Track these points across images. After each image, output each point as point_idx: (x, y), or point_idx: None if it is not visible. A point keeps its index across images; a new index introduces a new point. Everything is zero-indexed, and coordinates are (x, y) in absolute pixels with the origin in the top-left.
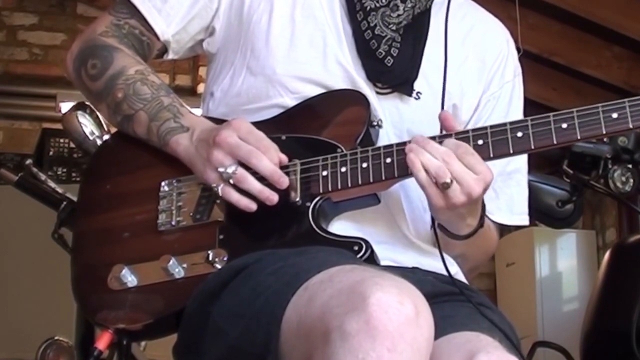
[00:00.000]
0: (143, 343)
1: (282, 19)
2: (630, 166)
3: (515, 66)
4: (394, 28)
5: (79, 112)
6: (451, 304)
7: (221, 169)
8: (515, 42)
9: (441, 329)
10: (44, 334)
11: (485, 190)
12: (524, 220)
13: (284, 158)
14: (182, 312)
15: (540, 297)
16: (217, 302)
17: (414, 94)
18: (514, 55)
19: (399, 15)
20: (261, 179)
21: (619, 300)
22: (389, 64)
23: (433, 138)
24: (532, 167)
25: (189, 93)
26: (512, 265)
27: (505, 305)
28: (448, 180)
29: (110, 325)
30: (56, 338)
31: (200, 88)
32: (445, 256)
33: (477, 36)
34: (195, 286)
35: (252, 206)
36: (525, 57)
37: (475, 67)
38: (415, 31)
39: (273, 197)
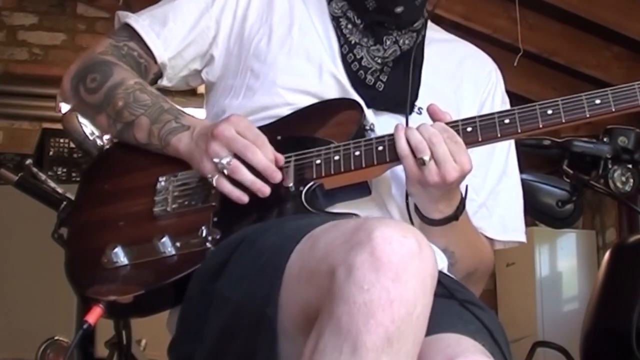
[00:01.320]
0: (143, 342)
1: (280, 39)
2: (630, 166)
3: (503, 94)
4: (379, 61)
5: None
6: (440, 300)
7: (216, 160)
8: (516, 42)
9: (427, 327)
10: (44, 334)
11: (460, 179)
12: (519, 237)
13: (280, 157)
14: (175, 287)
15: (540, 297)
16: (220, 277)
17: (416, 110)
18: (502, 84)
19: (384, 52)
20: (256, 173)
21: (619, 300)
22: (380, 89)
23: (456, 123)
24: (532, 167)
25: (190, 94)
26: (512, 265)
27: (505, 305)
28: (426, 158)
29: (101, 298)
30: (56, 338)
31: (201, 89)
32: (437, 250)
33: (468, 65)
34: (188, 262)
35: (244, 198)
36: (525, 57)
37: (470, 91)
38: (407, 61)
39: (265, 189)
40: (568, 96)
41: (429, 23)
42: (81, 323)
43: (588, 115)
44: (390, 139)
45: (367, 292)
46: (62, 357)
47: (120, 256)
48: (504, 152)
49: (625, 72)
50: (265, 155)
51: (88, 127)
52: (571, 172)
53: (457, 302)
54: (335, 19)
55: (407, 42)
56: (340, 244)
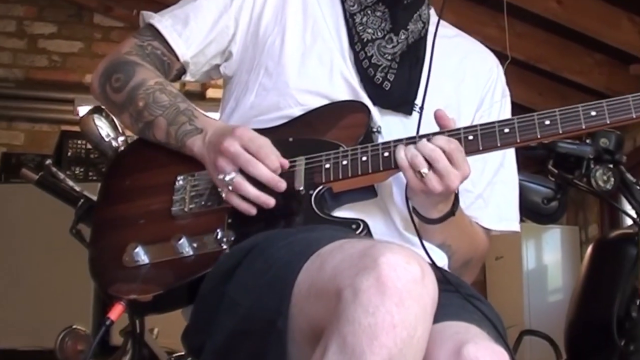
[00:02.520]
0: (155, 331)
1: (293, 40)
2: (611, 166)
3: (504, 88)
4: (389, 57)
5: (96, 115)
6: (444, 294)
7: (221, 177)
8: (504, 49)
9: (434, 317)
10: (62, 323)
11: (461, 183)
12: (512, 226)
13: (285, 162)
14: (191, 287)
15: (527, 288)
16: (231, 280)
17: (416, 109)
18: (503, 79)
19: (393, 47)
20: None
21: (601, 291)
22: (387, 88)
23: (427, 135)
24: (520, 167)
25: (199, 98)
26: (500, 258)
27: (494, 296)
28: (425, 170)
29: (123, 297)
30: (74, 327)
31: (209, 93)
32: (434, 248)
33: (470, 61)
34: (204, 263)
35: (252, 211)
36: (513, 64)
37: (471, 87)
38: (411, 57)
39: (269, 202)
40: (565, 107)
41: (436, 18)
42: (98, 313)
43: (584, 127)
44: (396, 144)
45: (372, 315)
46: (79, 344)
47: (140, 255)
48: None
49: (606, 78)
50: (270, 165)
51: (104, 130)
52: (556, 171)
53: (460, 296)
54: (351, 16)
55: (414, 32)
56: (347, 267)
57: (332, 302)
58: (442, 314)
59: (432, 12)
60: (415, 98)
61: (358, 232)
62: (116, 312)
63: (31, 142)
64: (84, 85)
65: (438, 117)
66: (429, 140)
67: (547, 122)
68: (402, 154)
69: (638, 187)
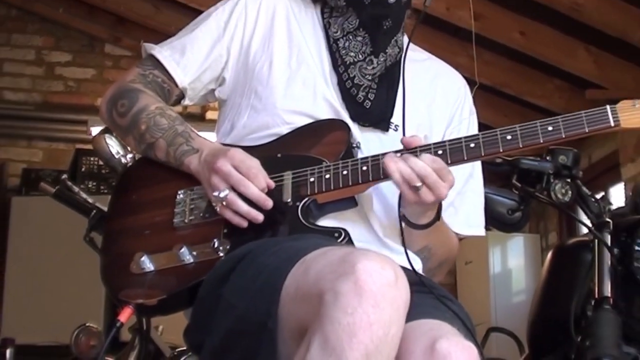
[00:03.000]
0: (160, 328)
1: (280, 66)
2: (569, 180)
3: (471, 106)
4: (369, 78)
5: (107, 135)
6: (418, 295)
7: (215, 193)
8: (472, 76)
9: (410, 315)
10: (77, 321)
11: (449, 191)
12: (479, 231)
13: (271, 183)
14: (192, 291)
15: (494, 290)
16: (226, 284)
17: (392, 126)
18: (469, 97)
19: (373, 68)
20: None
21: (559, 293)
22: (368, 107)
23: (415, 149)
24: (487, 181)
25: (199, 119)
26: (469, 263)
27: (464, 296)
28: (418, 184)
29: (131, 301)
30: (87, 324)
31: (209, 115)
32: (410, 254)
33: (440, 82)
34: (203, 269)
35: (244, 224)
36: (481, 89)
37: (442, 106)
38: (389, 79)
39: (259, 217)
40: (525, 123)
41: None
42: (109, 312)
43: (542, 141)
44: (374, 159)
45: (350, 316)
46: (92, 340)
47: (146, 263)
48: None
49: (565, 102)
50: (258, 185)
51: (114, 148)
52: (519, 185)
53: (434, 297)
54: (335, 41)
55: (391, 55)
56: (329, 272)
57: (315, 303)
58: (417, 312)
59: (406, 38)
60: (392, 116)
61: (340, 240)
62: (125, 314)
63: (49, 159)
64: (96, 108)
65: (406, 144)
66: (417, 157)
67: (509, 137)
68: (395, 169)
69: (593, 200)
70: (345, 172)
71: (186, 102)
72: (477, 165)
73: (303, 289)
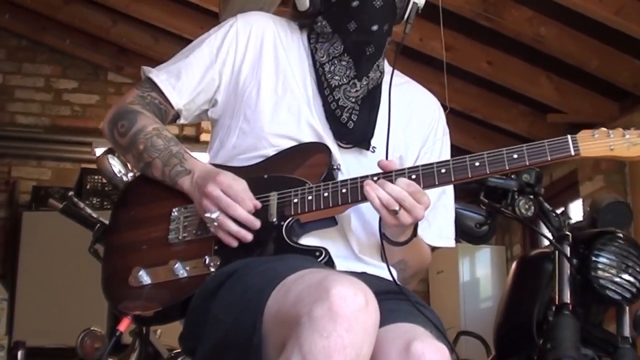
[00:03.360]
0: (158, 332)
1: (267, 92)
2: (532, 197)
3: (444, 127)
4: (353, 100)
5: (109, 155)
6: (393, 301)
7: (207, 215)
8: (444, 102)
9: (386, 320)
10: (82, 325)
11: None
12: (450, 243)
13: (257, 204)
14: (185, 303)
15: (463, 297)
16: (215, 299)
17: (371, 148)
18: (443, 119)
19: (356, 91)
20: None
21: (523, 300)
22: (351, 127)
23: (390, 173)
24: (456, 197)
25: (194, 141)
26: (441, 272)
27: (436, 303)
28: (396, 208)
29: (129, 312)
30: (92, 328)
31: (203, 137)
32: (384, 266)
33: (417, 105)
34: (195, 284)
35: (234, 243)
36: (452, 114)
37: (417, 127)
38: (371, 101)
39: (247, 236)
40: (492, 150)
41: (390, 68)
42: (111, 317)
43: (507, 168)
44: (352, 182)
45: (326, 339)
46: (96, 343)
47: (144, 277)
48: None
49: (529, 125)
50: (245, 207)
51: (116, 167)
52: (486, 201)
53: (409, 303)
54: (321, 66)
55: (373, 79)
56: (306, 296)
57: (294, 324)
58: (394, 317)
59: (386, 63)
60: (372, 136)
61: (320, 259)
62: (124, 324)
63: (57, 177)
64: (100, 130)
65: (383, 167)
66: (393, 182)
67: (477, 164)
68: (374, 196)
69: (553, 215)
70: (326, 194)
71: (181, 121)
72: None
73: (283, 310)
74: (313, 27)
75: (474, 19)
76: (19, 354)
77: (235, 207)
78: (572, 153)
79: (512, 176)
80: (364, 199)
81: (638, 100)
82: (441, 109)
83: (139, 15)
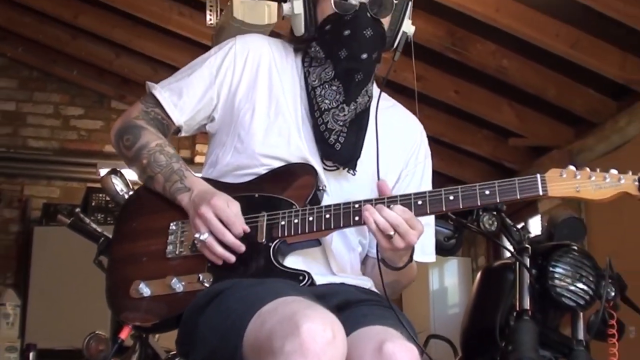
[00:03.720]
0: (157, 335)
1: (260, 116)
2: (494, 213)
3: (426, 151)
4: (341, 123)
5: (112, 176)
6: (367, 306)
7: (197, 235)
8: None
9: (360, 323)
10: (88, 329)
11: (418, 238)
12: (431, 258)
13: (246, 229)
14: (180, 316)
15: (433, 303)
16: (203, 314)
17: (351, 172)
18: (425, 143)
19: (344, 115)
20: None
21: (487, 306)
22: (338, 149)
23: (383, 200)
24: None
25: (189, 162)
26: (413, 281)
27: (408, 309)
28: (391, 233)
29: (130, 323)
30: (97, 332)
31: (197, 159)
32: (362, 277)
33: (400, 128)
34: (189, 299)
35: (219, 262)
36: None
37: (399, 151)
38: (358, 124)
39: (231, 259)
40: (466, 186)
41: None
42: (114, 322)
43: (479, 204)
44: (335, 208)
45: None
46: (100, 345)
47: (144, 289)
48: None
49: (492, 148)
50: (235, 231)
51: (118, 186)
52: (454, 217)
53: (381, 307)
54: (313, 89)
55: (361, 104)
56: (279, 330)
57: (269, 356)
58: (367, 320)
59: (375, 86)
60: (358, 157)
61: (303, 282)
62: (125, 332)
63: (65, 195)
64: (104, 153)
65: (379, 187)
66: (390, 208)
67: (451, 198)
68: (372, 221)
69: (514, 229)
70: (310, 219)
71: (182, 134)
72: None
73: (260, 341)
74: (307, 51)
75: (442, 52)
76: (31, 355)
77: (224, 233)
78: (541, 193)
79: None
80: (346, 225)
81: (591, 125)
82: (424, 132)
83: (140, 48)
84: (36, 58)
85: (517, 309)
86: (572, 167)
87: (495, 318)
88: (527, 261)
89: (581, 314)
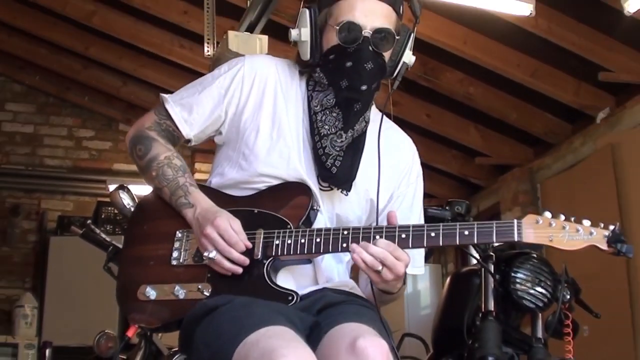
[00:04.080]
0: (160, 334)
1: (263, 137)
2: None
3: (418, 172)
4: (337, 149)
5: (120, 191)
6: (345, 305)
7: (205, 254)
8: None
9: (336, 321)
10: (98, 328)
11: (405, 269)
12: (420, 271)
13: (248, 245)
14: (181, 320)
15: (407, 305)
16: (200, 325)
17: (343, 192)
18: (418, 164)
19: (342, 141)
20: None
21: (455, 307)
22: (334, 172)
23: (369, 229)
24: None
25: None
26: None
27: (385, 310)
28: (379, 268)
29: (136, 324)
30: (106, 331)
31: (196, 176)
32: (346, 281)
33: (394, 150)
34: (190, 306)
35: (228, 274)
36: None
37: (391, 172)
38: (354, 148)
39: (238, 270)
40: (446, 225)
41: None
42: (122, 322)
43: (457, 243)
44: (327, 233)
45: None
46: (109, 343)
47: (150, 292)
48: (418, 211)
49: (460, 166)
50: (238, 249)
51: (125, 200)
52: None
53: (357, 305)
54: (314, 114)
55: (358, 130)
56: None
57: None
58: (342, 318)
59: (374, 108)
60: (353, 180)
61: (292, 302)
62: (132, 331)
63: (77, 208)
64: (113, 171)
65: (388, 217)
66: (374, 244)
67: (433, 235)
68: (360, 260)
69: None
70: (302, 241)
71: (192, 144)
72: (422, 215)
73: None
74: (312, 75)
75: (416, 80)
76: (47, 352)
77: (231, 251)
78: (516, 239)
79: (447, 207)
80: (334, 250)
81: (549, 146)
82: (416, 154)
83: (145, 77)
84: (52, 85)
85: (483, 310)
86: (547, 215)
87: (463, 318)
88: (492, 267)
89: (540, 314)
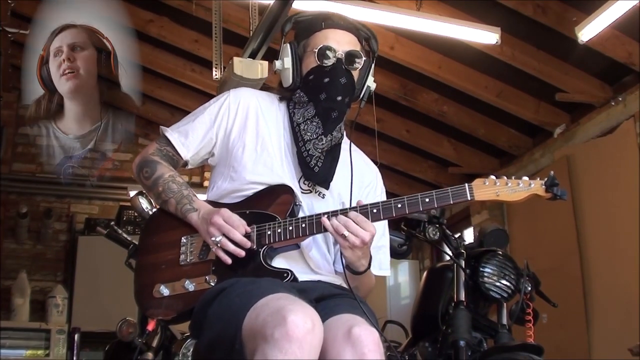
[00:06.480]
0: None
1: (249, 151)
2: (437, 225)
3: (382, 189)
4: (319, 151)
5: (139, 197)
6: (339, 298)
7: (212, 239)
8: (376, 159)
9: (332, 312)
10: (120, 315)
11: (371, 238)
12: (387, 273)
13: (248, 229)
14: (192, 309)
15: (389, 296)
16: (211, 306)
17: (320, 195)
18: (381, 182)
19: (322, 144)
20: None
21: (431, 298)
22: (316, 171)
23: (345, 210)
24: None
25: (198, 185)
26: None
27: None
28: (344, 232)
29: (154, 317)
30: (127, 318)
31: (206, 183)
32: (336, 277)
33: (362, 168)
34: (199, 295)
35: (229, 260)
36: (381, 167)
37: (359, 183)
38: (332, 155)
39: (242, 253)
40: (410, 195)
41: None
42: (142, 315)
43: (421, 209)
44: (310, 219)
45: (284, 354)
46: (130, 328)
47: (163, 290)
48: (383, 223)
49: (435, 175)
50: (240, 232)
51: (144, 204)
52: (405, 228)
53: (349, 299)
54: (297, 125)
55: (336, 137)
56: (270, 321)
57: (262, 341)
58: (338, 309)
59: (345, 138)
60: (332, 179)
61: (287, 278)
62: (151, 325)
63: (102, 212)
64: (133, 179)
65: (358, 204)
66: (345, 215)
67: (399, 205)
68: (329, 225)
69: (453, 238)
70: (290, 228)
71: (189, 166)
72: (386, 227)
73: (255, 329)
74: (292, 97)
75: (396, 100)
76: (76, 336)
77: (234, 232)
78: (469, 197)
79: (424, 212)
80: (318, 231)
81: (512, 157)
82: (379, 174)
83: (160, 97)
84: None
85: (455, 300)
86: (492, 177)
87: (438, 307)
88: (463, 263)
89: (505, 304)
